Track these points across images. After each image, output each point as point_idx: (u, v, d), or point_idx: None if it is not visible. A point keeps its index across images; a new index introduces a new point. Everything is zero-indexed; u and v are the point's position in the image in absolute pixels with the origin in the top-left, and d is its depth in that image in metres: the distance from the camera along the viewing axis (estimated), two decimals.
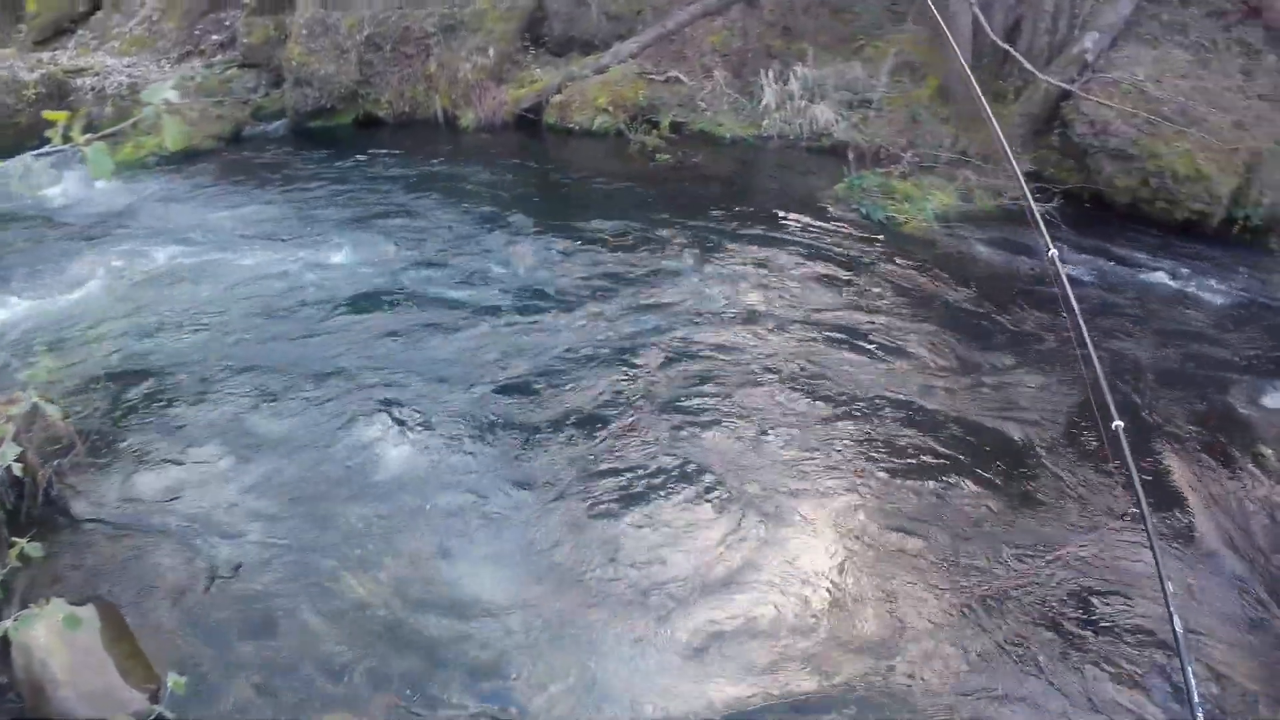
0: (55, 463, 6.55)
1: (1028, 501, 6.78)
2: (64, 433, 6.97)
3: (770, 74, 14.17)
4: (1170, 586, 3.24)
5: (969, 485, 6.86)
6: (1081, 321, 4.13)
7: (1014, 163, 5.12)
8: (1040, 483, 6.93)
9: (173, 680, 3.80)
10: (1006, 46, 13.06)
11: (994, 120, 5.04)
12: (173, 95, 2.26)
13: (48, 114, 2.53)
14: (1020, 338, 9.11)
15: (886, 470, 7.05)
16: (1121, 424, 3.80)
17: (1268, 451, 7.39)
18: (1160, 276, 10.61)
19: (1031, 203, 5.07)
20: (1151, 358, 8.76)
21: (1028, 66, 12.67)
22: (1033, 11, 13.50)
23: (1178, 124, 11.86)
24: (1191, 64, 12.94)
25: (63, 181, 12.53)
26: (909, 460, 7.14)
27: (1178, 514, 6.65)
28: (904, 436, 7.41)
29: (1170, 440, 7.46)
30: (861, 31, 14.97)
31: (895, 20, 15.02)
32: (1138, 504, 3.59)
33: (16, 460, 3.60)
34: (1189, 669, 3.04)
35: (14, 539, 3.55)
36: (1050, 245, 4.40)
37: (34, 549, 3.73)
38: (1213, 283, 10.45)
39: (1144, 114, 12.01)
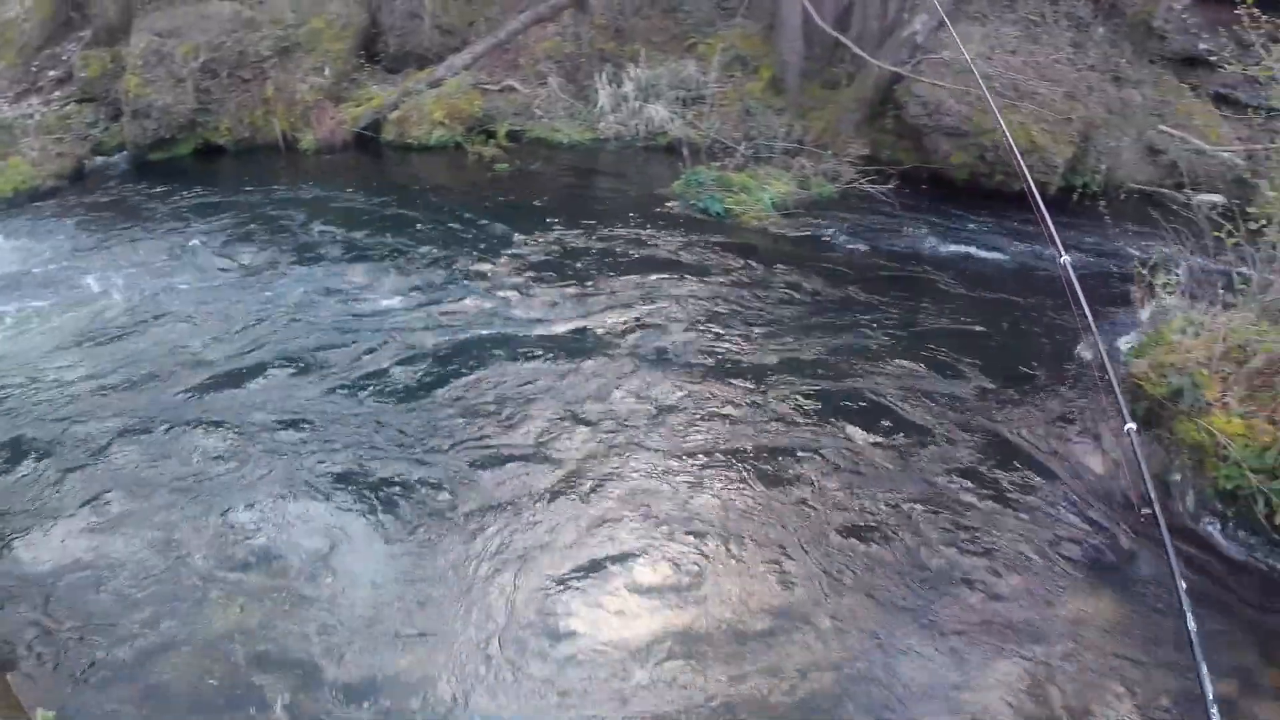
0: None
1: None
2: None
3: (604, 77, 14.13)
4: (1184, 585, 3.27)
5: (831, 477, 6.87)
6: (1094, 325, 4.28)
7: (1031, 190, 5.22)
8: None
9: (40, 714, 3.81)
10: (836, 34, 13.06)
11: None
12: None
13: None
14: (856, 323, 9.07)
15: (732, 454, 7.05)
16: (1134, 426, 3.92)
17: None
18: (990, 249, 10.92)
19: (1043, 210, 5.23)
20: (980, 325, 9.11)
21: (858, 52, 12.70)
22: None
23: (1009, 98, 11.81)
24: (1021, 39, 12.72)
25: None
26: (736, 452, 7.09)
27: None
28: (743, 426, 7.38)
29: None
30: (693, 29, 14.94)
31: (725, 16, 14.97)
32: (1149, 503, 3.66)
33: None
34: (1203, 667, 2.97)
35: None
36: (1062, 253, 4.59)
37: None
38: (1029, 245, 10.80)
39: (975, 91, 12.29)
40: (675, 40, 14.85)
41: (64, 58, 18.17)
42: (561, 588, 5.92)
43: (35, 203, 13.04)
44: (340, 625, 5.70)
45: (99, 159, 14.95)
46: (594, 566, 6.09)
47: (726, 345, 8.60)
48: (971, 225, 11.61)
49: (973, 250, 10.98)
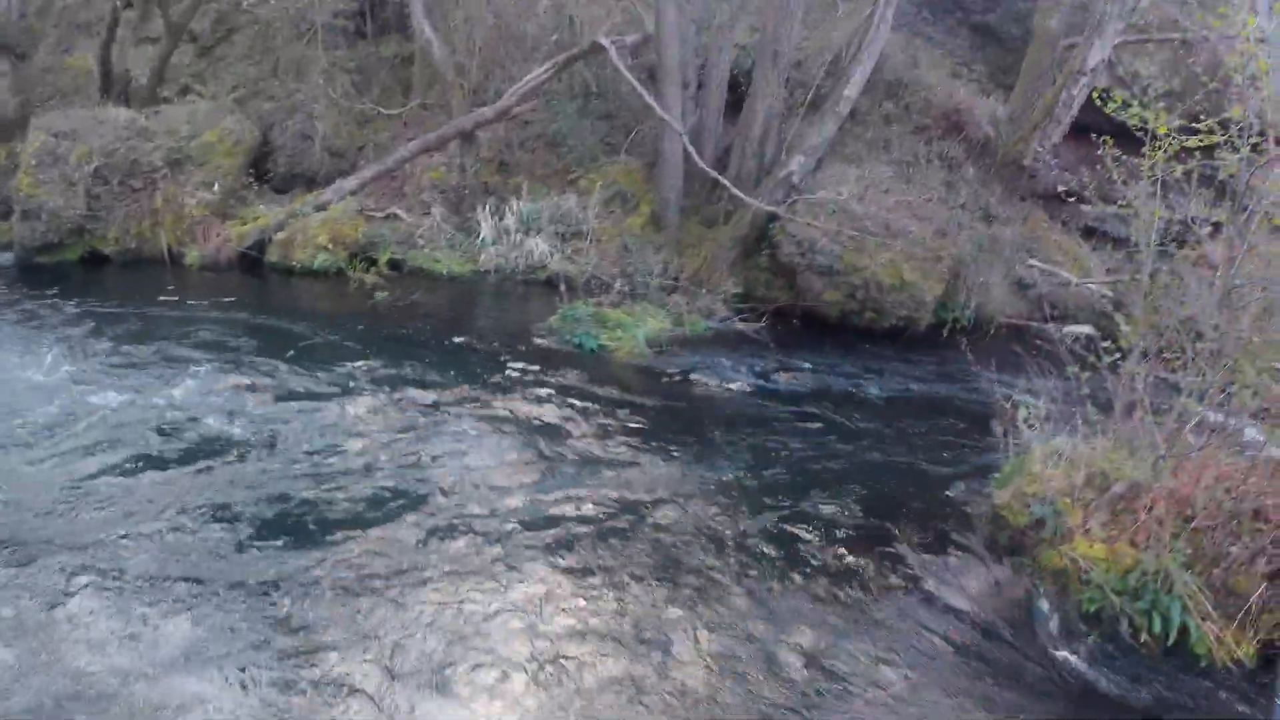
0: None
1: None
2: None
3: (487, 209, 14.20)
4: None
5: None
6: None
7: None
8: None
9: None
10: (714, 174, 13.28)
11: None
12: None
13: None
14: (723, 455, 9.00)
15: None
16: None
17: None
18: (856, 382, 11.10)
19: None
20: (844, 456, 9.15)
21: (735, 192, 12.91)
22: (741, 139, 13.68)
23: (880, 237, 12.12)
24: (894, 179, 13.10)
25: None
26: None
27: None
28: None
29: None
30: (575, 164, 15.08)
31: (609, 152, 15.13)
32: None
33: None
34: None
35: None
36: None
37: None
38: (899, 381, 11.20)
39: (848, 230, 12.25)
40: (558, 174, 15.02)
41: None
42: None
43: None
44: None
45: None
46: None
47: (582, 479, 8.44)
48: (843, 361, 11.72)
49: (844, 385, 11.05)
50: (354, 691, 5.84)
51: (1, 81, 18.05)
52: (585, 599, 6.76)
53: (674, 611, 6.63)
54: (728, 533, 7.65)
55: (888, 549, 7.53)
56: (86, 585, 6.77)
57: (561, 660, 6.11)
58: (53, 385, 10.17)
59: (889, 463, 9.16)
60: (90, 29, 18.69)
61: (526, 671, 5.96)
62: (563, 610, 6.60)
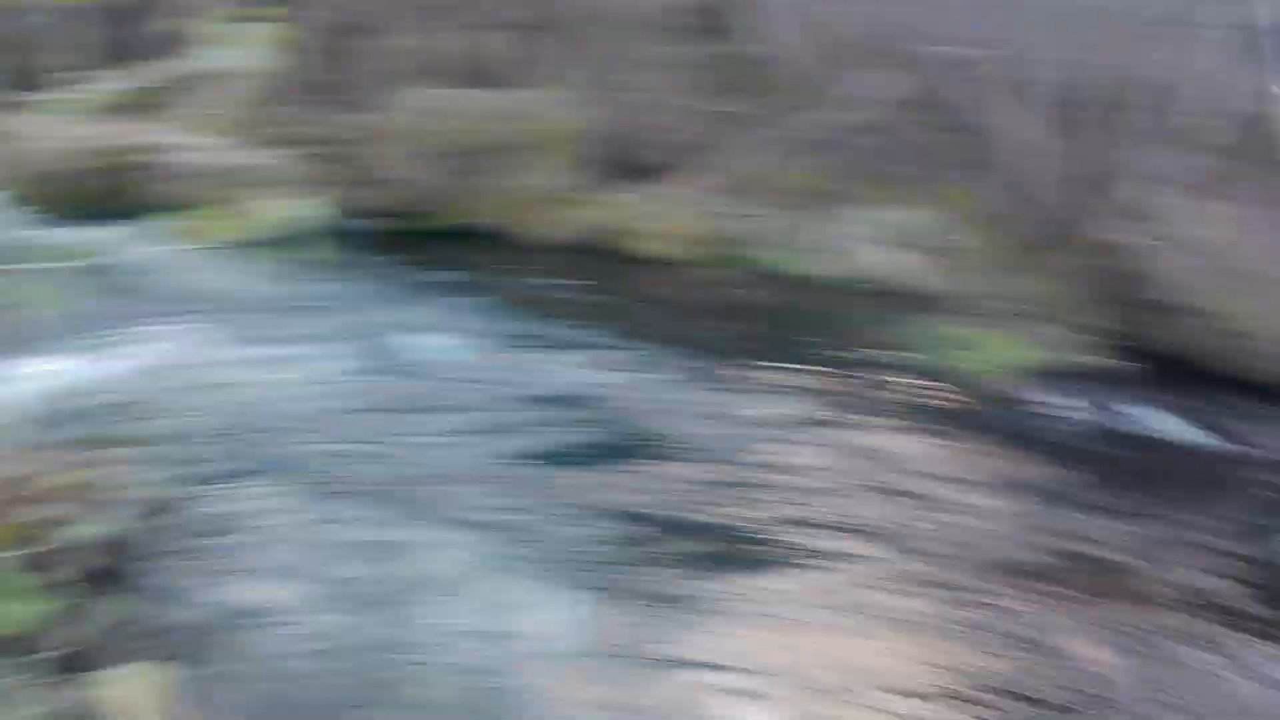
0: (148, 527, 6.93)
1: None
2: (158, 499, 7.26)
3: (841, 214, 14.18)
4: None
5: None
6: None
7: None
8: None
9: None
10: (1075, 199, 13.09)
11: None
12: (315, 211, 2.04)
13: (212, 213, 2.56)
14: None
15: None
16: None
17: None
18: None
19: None
20: None
21: (1104, 222, 12.66)
22: (1094, 164, 13.29)
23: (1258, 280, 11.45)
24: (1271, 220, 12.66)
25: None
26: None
27: None
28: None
29: None
30: (923, 177, 14.74)
31: (966, 167, 14.71)
32: None
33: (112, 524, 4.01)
34: None
35: (110, 598, 3.72)
36: None
37: (127, 611, 4.14)
38: None
39: (1223, 270, 11.64)
40: (908, 186, 14.73)
41: (314, 116, 19.38)
42: None
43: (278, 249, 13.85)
44: None
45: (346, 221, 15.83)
46: None
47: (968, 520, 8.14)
48: (1224, 414, 10.70)
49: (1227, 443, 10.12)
50: None
51: (360, 59, 18.86)
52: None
53: None
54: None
55: None
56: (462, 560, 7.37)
57: None
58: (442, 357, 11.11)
59: None
60: (450, 13, 19.42)
61: None
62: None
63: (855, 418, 10.00)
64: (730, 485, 8.55)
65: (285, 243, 13.77)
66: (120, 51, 24.22)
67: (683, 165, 16.01)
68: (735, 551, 7.69)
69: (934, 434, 9.79)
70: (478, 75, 17.91)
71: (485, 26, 19.26)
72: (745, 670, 6.38)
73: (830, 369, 11.17)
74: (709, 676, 6.30)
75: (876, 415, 10.11)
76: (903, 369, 11.33)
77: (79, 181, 17.58)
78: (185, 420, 8.91)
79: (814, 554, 7.66)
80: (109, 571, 6.29)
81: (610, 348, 11.27)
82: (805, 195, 14.91)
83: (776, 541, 7.78)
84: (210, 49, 22.44)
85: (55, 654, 5.07)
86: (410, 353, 11.21)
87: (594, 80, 17.51)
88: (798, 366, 11.12)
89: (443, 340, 11.58)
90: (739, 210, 14.83)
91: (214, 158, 18.21)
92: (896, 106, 15.23)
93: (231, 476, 8.33)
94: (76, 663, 5.39)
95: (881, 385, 10.91)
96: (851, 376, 11.02)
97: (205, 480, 8.08)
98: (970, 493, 8.68)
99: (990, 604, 7.12)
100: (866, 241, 13.98)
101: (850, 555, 7.67)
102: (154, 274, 13.79)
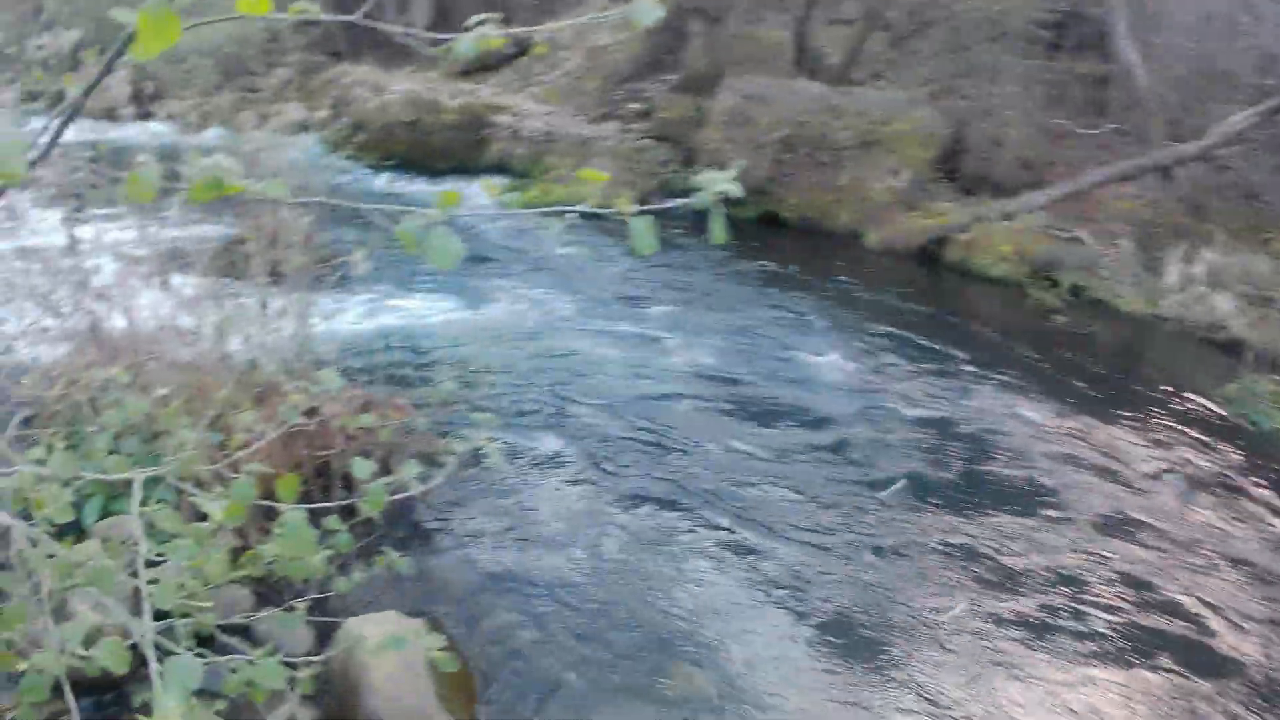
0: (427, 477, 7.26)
1: None
2: (438, 449, 7.05)
3: (1175, 252, 14.01)
4: None
5: None
6: None
7: None
8: None
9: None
10: None
11: None
12: (733, 188, 2.14)
13: (585, 173, 2.43)
14: None
15: None
16: None
17: None
18: None
19: None
20: None
21: None
22: None
23: None
24: None
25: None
26: None
27: None
28: None
29: None
30: (1273, 222, 14.64)
31: None
32: None
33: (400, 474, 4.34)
34: None
35: (381, 549, 3.90)
36: None
37: (403, 563, 4.11)
38: None
39: None
40: (1252, 229, 14.66)
41: (646, 94, 20.50)
42: None
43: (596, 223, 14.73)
44: None
45: (664, 199, 16.79)
46: None
47: None
48: None
49: None
50: None
51: (695, 42, 19.73)
52: None
53: None
54: None
55: None
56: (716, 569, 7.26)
57: None
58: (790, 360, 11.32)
59: None
60: (781, 3, 20.17)
61: None
62: None
63: (1161, 465, 9.67)
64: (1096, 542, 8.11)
65: (612, 216, 14.78)
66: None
67: (1025, 182, 16.18)
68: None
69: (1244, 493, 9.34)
70: (814, 69, 18.60)
71: (829, 21, 20.00)
72: None
73: (1146, 413, 10.97)
74: None
75: (1186, 465, 9.75)
76: (1222, 425, 11.00)
77: (424, 136, 19.13)
78: (500, 380, 8.96)
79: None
80: (392, 521, 6.63)
81: (947, 372, 11.32)
82: (1145, 226, 14.97)
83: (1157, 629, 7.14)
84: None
85: (323, 598, 4.93)
86: (749, 351, 11.39)
87: (943, 85, 17.91)
88: (1140, 414, 10.89)
89: (782, 340, 11.77)
90: (1075, 234, 14.93)
91: (555, 125, 19.41)
92: (1249, 143, 15.10)
93: (538, 446, 8.56)
94: (343, 608, 5.63)
95: (1198, 438, 10.50)
96: (1166, 424, 10.75)
97: (510, 448, 8.16)
98: None
99: None
100: (1206, 283, 13.79)
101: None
102: (490, 232, 14.71)
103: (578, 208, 2.41)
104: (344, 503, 4.09)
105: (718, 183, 2.23)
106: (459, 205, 2.13)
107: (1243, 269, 13.88)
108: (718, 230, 2.29)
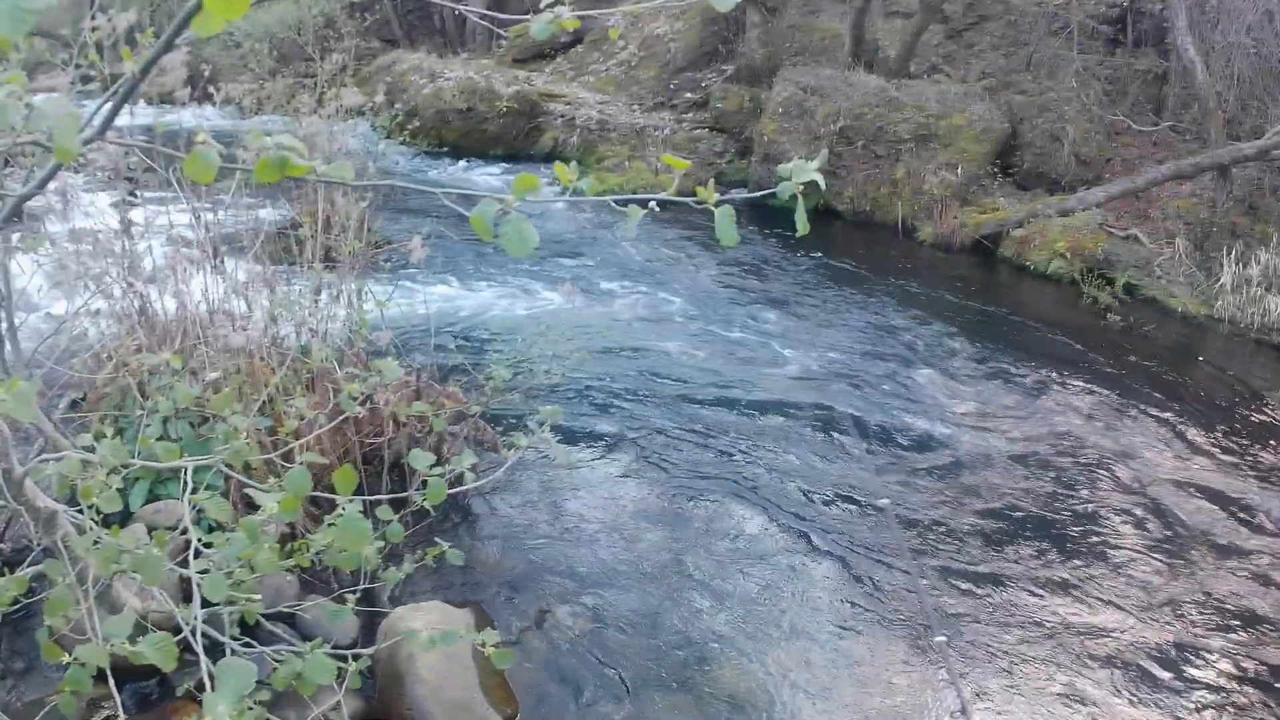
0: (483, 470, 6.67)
1: None
2: (491, 439, 7.38)
3: (1232, 253, 13.92)
4: None
5: None
6: None
7: None
8: None
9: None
10: None
11: None
12: (818, 179, 2.13)
13: (668, 159, 2.38)
14: None
15: None
16: None
17: None
18: None
19: None
20: None
21: None
22: None
23: None
24: None
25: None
26: None
27: None
28: None
29: None
30: None
31: None
32: None
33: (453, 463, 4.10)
34: None
35: (432, 538, 3.81)
36: None
37: (454, 555, 4.14)
38: None
39: None
40: None
41: (702, 84, 20.69)
42: None
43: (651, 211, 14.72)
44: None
45: (720, 189, 16.93)
46: None
47: None
48: None
49: None
50: None
51: (752, 32, 19.80)
52: None
53: None
54: None
55: None
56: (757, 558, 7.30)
57: None
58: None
59: None
60: None
61: None
62: None
63: (1216, 474, 9.48)
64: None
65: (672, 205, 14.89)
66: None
67: (1082, 178, 16.28)
68: None
69: None
70: (871, 61, 18.69)
71: (887, 13, 20.09)
72: None
73: (1202, 417, 10.83)
74: None
75: (1240, 476, 9.54)
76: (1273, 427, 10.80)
77: (477, 123, 19.46)
78: (556, 370, 8.73)
79: None
80: (440, 509, 6.61)
81: (1011, 377, 11.24)
82: (1201, 226, 14.92)
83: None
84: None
85: (372, 588, 5.12)
86: (807, 345, 11.41)
87: (1000, 79, 17.98)
88: (1171, 413, 10.80)
89: (839, 340, 11.74)
90: (1131, 232, 14.97)
91: (609, 114, 19.65)
92: None
93: (593, 438, 8.67)
94: (389, 596, 5.88)
95: (1253, 446, 10.31)
96: (1221, 430, 10.57)
97: (565, 438, 8.06)
98: None
99: None
100: (1261, 285, 13.76)
101: None
102: (549, 218, 14.94)
103: (659, 196, 2.38)
104: (398, 495, 4.24)
105: (805, 172, 2.23)
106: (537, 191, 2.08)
107: None
108: (801, 222, 2.35)
